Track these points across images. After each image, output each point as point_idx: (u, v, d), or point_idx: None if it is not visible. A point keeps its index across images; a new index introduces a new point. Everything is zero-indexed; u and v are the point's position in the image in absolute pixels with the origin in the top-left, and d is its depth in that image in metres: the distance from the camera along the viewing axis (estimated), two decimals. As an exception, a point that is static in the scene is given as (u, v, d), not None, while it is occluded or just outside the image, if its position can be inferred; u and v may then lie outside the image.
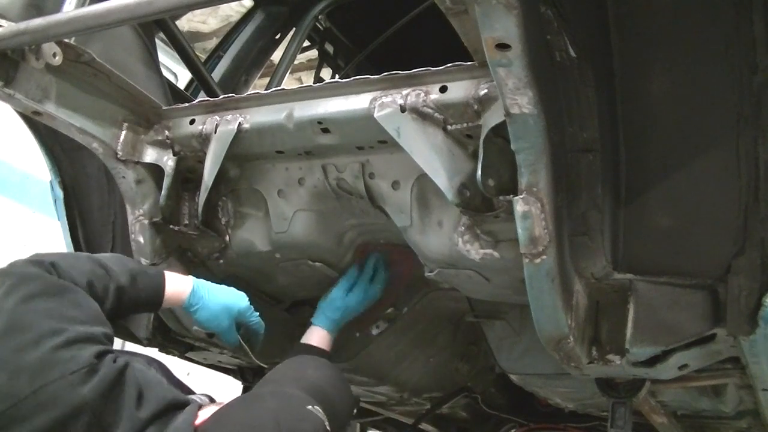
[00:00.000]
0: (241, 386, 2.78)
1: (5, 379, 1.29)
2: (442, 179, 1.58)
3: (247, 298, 1.93)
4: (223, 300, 1.87)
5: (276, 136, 1.81)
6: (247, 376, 2.76)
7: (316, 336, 2.12)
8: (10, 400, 1.27)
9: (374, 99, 1.64)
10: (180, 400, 1.44)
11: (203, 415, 1.41)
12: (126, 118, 1.94)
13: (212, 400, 1.60)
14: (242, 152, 1.89)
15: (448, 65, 1.58)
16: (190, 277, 1.86)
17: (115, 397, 1.32)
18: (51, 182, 2.29)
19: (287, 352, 2.12)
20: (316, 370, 1.66)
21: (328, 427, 1.41)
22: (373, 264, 2.14)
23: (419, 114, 1.59)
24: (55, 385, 1.28)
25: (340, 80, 1.73)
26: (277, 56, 3.45)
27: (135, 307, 1.74)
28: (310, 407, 1.41)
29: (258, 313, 1.95)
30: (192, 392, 1.65)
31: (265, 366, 2.16)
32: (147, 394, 1.37)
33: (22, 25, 1.58)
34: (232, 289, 1.93)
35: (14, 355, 1.32)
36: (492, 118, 1.48)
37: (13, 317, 1.37)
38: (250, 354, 2.01)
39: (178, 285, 1.81)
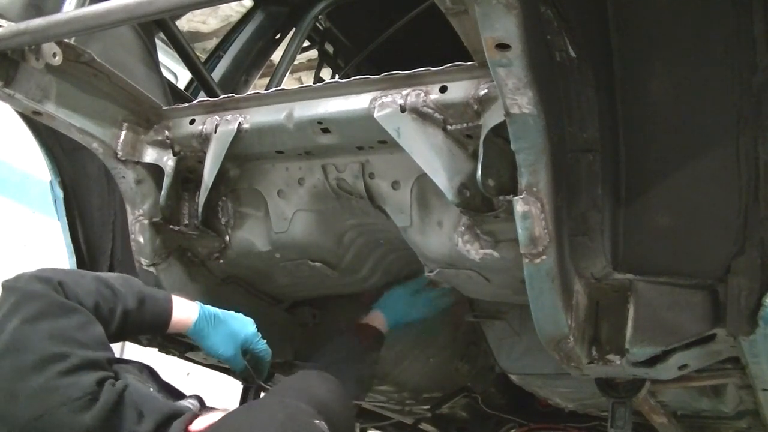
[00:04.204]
0: (241, 386, 2.77)
1: (1, 401, 1.30)
2: (442, 179, 1.58)
3: (255, 325, 1.90)
4: (228, 327, 1.84)
5: (276, 136, 1.81)
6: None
7: (377, 320, 2.14)
8: (9, 425, 1.28)
9: (374, 99, 1.64)
10: (176, 410, 1.46)
11: (201, 422, 1.42)
12: (126, 118, 1.94)
13: (201, 401, 1.60)
14: (242, 152, 1.89)
15: (448, 65, 1.58)
16: (197, 303, 1.84)
17: (116, 421, 1.34)
18: (51, 182, 2.29)
19: (287, 353, 2.11)
20: (322, 386, 1.66)
21: None
22: (444, 288, 2.16)
23: (419, 114, 1.59)
24: (58, 412, 1.29)
25: (340, 80, 1.73)
26: (277, 56, 3.45)
27: (139, 330, 1.74)
28: (316, 421, 1.40)
29: (265, 341, 1.91)
30: (182, 395, 1.64)
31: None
32: (146, 410, 1.39)
33: (22, 25, 1.58)
34: (240, 315, 1.89)
35: (13, 376, 1.32)
36: (492, 118, 1.48)
37: (16, 337, 1.37)
38: (257, 380, 1.97)
39: (184, 311, 1.79)
